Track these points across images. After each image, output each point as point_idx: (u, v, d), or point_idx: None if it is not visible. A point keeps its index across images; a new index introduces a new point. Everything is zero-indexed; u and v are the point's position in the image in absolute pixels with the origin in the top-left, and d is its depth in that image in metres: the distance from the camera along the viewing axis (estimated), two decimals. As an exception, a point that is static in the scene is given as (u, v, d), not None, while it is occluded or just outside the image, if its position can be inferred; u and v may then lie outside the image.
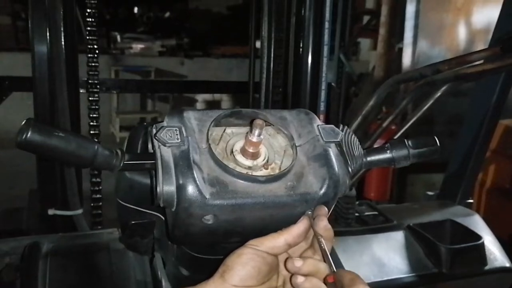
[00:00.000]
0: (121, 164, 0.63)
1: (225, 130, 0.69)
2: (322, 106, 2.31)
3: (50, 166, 1.90)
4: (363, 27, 5.72)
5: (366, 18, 6.03)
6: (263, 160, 0.66)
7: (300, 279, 0.59)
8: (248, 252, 0.61)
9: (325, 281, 0.59)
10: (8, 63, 5.78)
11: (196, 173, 0.60)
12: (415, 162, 0.74)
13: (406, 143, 0.73)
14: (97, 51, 2.08)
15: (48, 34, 1.74)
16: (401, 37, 3.92)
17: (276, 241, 0.62)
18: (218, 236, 0.65)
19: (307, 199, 0.63)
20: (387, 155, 0.73)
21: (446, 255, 1.27)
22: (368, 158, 0.73)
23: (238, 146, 0.66)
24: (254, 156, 0.65)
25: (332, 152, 0.66)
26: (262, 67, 2.34)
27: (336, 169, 0.65)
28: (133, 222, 0.79)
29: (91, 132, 2.11)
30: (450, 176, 1.70)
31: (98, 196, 2.08)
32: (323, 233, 0.62)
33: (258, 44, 2.61)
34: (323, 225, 0.62)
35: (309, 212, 0.64)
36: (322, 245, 0.61)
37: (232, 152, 0.66)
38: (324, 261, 0.61)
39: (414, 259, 1.30)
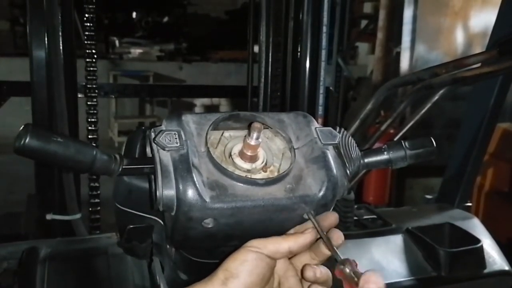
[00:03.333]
0: (120, 169, 0.63)
1: (223, 133, 0.69)
2: (320, 110, 2.32)
3: (49, 171, 1.90)
4: (361, 31, 5.74)
5: (364, 23, 6.05)
6: (262, 163, 0.66)
7: None
8: (253, 258, 0.59)
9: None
10: (6, 68, 5.78)
11: (195, 177, 0.60)
12: (412, 163, 0.74)
13: (403, 144, 0.74)
14: (95, 56, 2.08)
15: (46, 39, 1.74)
16: (399, 41, 3.93)
17: (280, 246, 0.61)
18: (218, 239, 0.64)
19: (306, 201, 0.63)
20: (385, 156, 0.73)
21: (445, 259, 1.27)
22: (366, 160, 0.73)
23: (236, 149, 0.66)
24: (253, 159, 0.65)
25: (330, 154, 0.67)
26: (260, 71, 2.35)
27: (335, 171, 0.65)
28: (131, 226, 0.79)
29: (89, 136, 2.11)
30: (449, 179, 1.70)
31: (96, 200, 2.07)
32: (336, 244, 0.62)
33: (256, 48, 2.62)
34: (337, 235, 0.62)
35: (311, 212, 0.63)
36: (333, 247, 0.61)
37: (230, 155, 0.66)
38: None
39: (413, 262, 1.29)
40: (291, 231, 0.65)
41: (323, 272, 0.61)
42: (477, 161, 1.64)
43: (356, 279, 0.53)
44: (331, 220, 0.64)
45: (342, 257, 0.58)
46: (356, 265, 0.56)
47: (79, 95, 2.14)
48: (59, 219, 1.87)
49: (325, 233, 0.62)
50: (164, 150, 0.62)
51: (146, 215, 0.76)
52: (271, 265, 0.61)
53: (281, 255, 0.61)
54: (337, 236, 0.62)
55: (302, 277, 0.62)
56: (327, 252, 0.62)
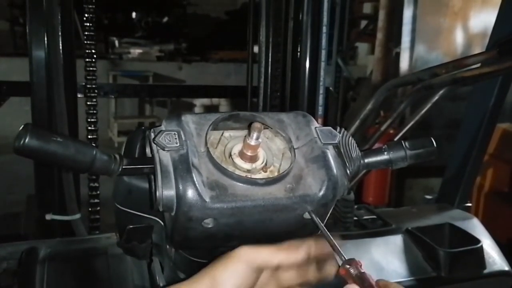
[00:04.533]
0: (120, 169, 0.63)
1: (223, 133, 0.69)
2: (320, 110, 2.32)
3: (48, 171, 1.90)
4: (361, 31, 5.75)
5: (363, 23, 6.06)
6: (262, 163, 0.66)
7: None
8: (243, 270, 0.59)
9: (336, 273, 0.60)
10: (6, 68, 5.78)
11: (195, 177, 0.60)
12: (412, 163, 0.74)
13: (403, 144, 0.74)
14: (95, 56, 2.08)
15: (46, 39, 1.74)
16: (398, 42, 3.93)
17: (270, 260, 0.61)
18: (218, 239, 0.64)
19: (307, 201, 0.63)
20: (385, 156, 0.73)
21: (444, 259, 1.27)
22: (366, 160, 0.73)
23: (236, 149, 0.66)
24: (253, 159, 0.65)
25: (330, 154, 0.66)
26: (260, 71, 2.36)
27: (335, 170, 0.65)
28: (130, 226, 0.79)
29: (89, 137, 2.11)
30: (449, 179, 1.70)
31: (96, 200, 2.07)
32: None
33: (256, 48, 2.62)
34: None
35: (310, 210, 0.64)
36: (336, 246, 0.61)
37: (230, 155, 0.66)
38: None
39: (412, 263, 1.29)
40: (286, 243, 0.63)
41: None
42: (477, 161, 1.64)
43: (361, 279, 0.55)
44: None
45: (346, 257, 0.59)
46: (361, 265, 0.57)
47: (79, 95, 2.14)
48: (58, 219, 1.86)
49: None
50: (164, 150, 0.62)
51: (146, 215, 0.76)
52: (258, 274, 0.61)
53: (271, 267, 0.62)
54: None
55: None
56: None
